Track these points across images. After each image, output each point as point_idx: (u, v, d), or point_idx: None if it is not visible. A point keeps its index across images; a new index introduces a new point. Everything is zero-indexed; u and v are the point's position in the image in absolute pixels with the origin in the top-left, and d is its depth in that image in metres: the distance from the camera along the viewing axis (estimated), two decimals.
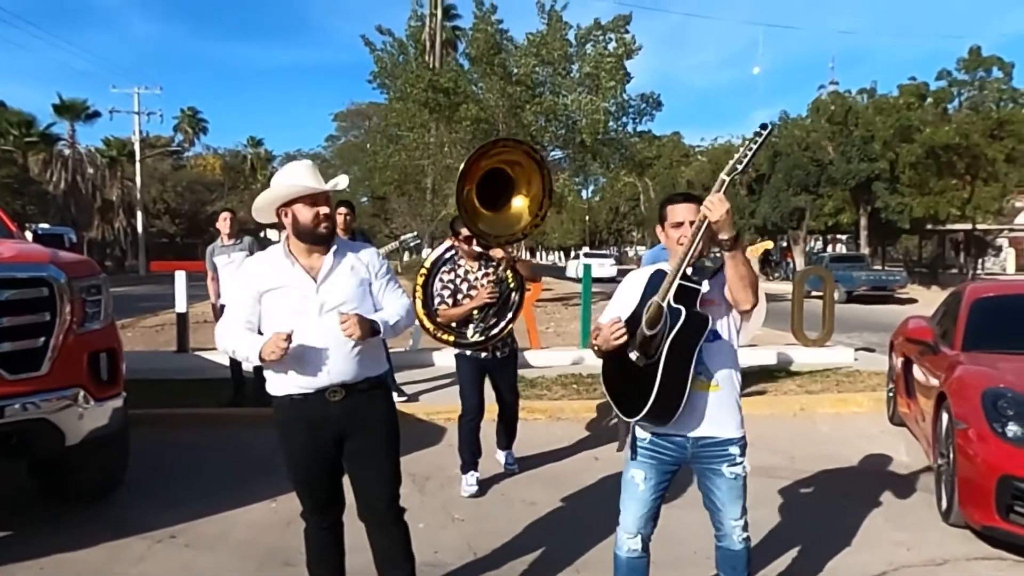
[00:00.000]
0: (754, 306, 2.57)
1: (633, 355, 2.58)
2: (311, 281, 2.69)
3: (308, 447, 2.74)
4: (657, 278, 2.60)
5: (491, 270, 4.58)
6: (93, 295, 4.13)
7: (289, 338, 2.55)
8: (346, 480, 2.86)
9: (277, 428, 2.78)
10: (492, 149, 4.28)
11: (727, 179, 2.48)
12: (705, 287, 2.52)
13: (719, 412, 2.63)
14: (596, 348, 2.71)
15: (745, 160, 2.46)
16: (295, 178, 2.71)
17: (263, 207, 2.77)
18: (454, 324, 4.61)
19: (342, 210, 6.70)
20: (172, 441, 5.75)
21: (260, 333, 2.71)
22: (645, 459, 2.69)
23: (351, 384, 2.70)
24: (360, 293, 2.75)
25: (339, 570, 2.96)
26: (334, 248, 2.75)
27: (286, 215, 2.71)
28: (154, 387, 7.01)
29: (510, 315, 4.65)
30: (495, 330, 4.58)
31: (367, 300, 2.78)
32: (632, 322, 2.62)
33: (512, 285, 4.66)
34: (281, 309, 2.68)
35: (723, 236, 2.43)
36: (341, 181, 2.84)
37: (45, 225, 23.68)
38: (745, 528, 2.74)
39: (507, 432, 4.97)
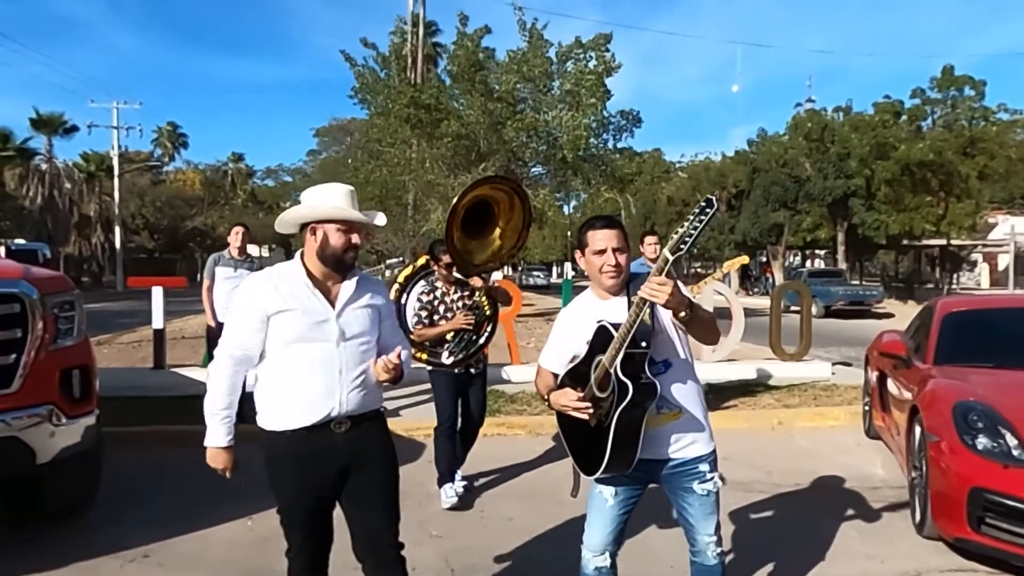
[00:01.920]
0: (716, 342, 2.50)
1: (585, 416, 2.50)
2: (329, 307, 2.55)
3: (309, 483, 2.56)
4: (602, 334, 2.47)
5: (467, 293, 4.69)
6: (66, 311, 4.09)
7: (234, 470, 2.57)
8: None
9: (270, 464, 2.57)
10: (481, 185, 4.37)
11: (671, 257, 2.29)
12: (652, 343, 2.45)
13: (685, 435, 2.59)
14: (547, 402, 2.67)
15: (690, 239, 2.26)
16: (337, 200, 2.59)
17: (292, 219, 2.65)
18: (427, 343, 4.69)
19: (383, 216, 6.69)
20: (147, 459, 5.68)
21: (262, 356, 2.56)
22: (614, 478, 2.63)
23: (357, 416, 2.57)
24: (373, 326, 2.66)
25: None
26: (357, 277, 2.64)
27: (314, 233, 2.57)
28: (130, 404, 6.93)
29: (482, 340, 4.77)
30: (468, 352, 4.68)
31: (376, 332, 2.68)
32: (578, 374, 2.57)
33: (487, 313, 4.78)
34: (291, 333, 2.51)
35: (677, 314, 2.35)
36: (379, 218, 2.73)
37: (21, 241, 23.44)
38: (719, 544, 2.71)
39: (464, 450, 4.96)
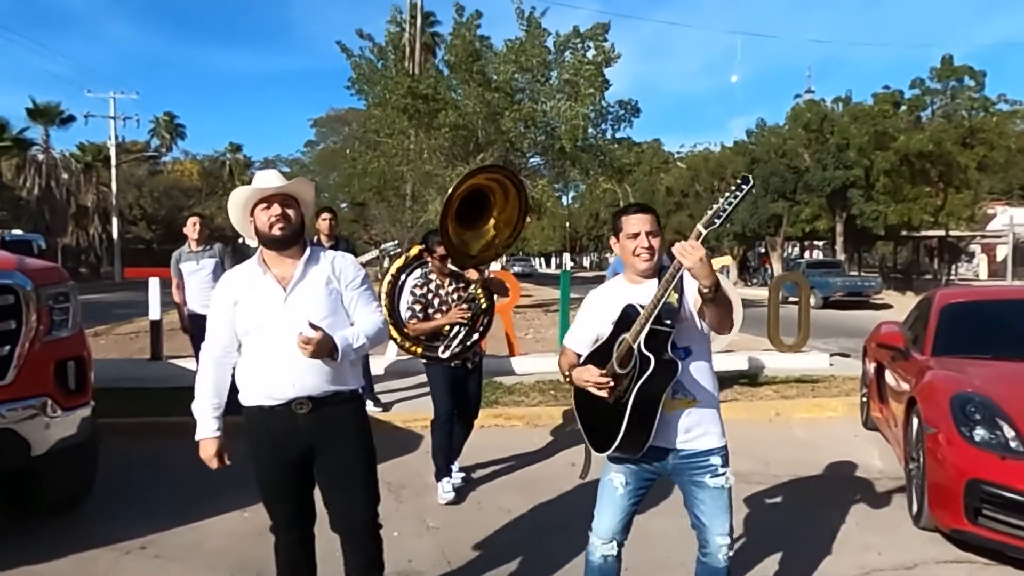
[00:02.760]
0: (730, 331, 2.56)
1: (604, 392, 2.53)
2: (280, 290, 2.62)
3: (275, 460, 2.66)
4: (628, 315, 2.53)
5: (462, 285, 4.64)
6: (61, 302, 4.07)
7: (222, 460, 2.66)
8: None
9: (247, 437, 2.69)
10: (477, 175, 4.37)
11: (704, 231, 2.34)
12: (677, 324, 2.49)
13: (697, 426, 2.60)
14: (568, 380, 2.70)
15: (724, 215, 2.33)
16: (257, 182, 2.69)
17: (236, 221, 2.73)
18: (422, 337, 4.65)
19: (325, 215, 6.65)
20: (144, 451, 5.67)
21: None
22: (626, 463, 2.66)
23: (319, 397, 2.60)
24: (331, 304, 2.66)
25: None
26: (306, 256, 2.67)
27: (252, 223, 2.68)
28: (127, 396, 6.91)
29: (479, 334, 4.71)
30: (465, 345, 4.64)
31: (339, 311, 2.68)
32: (602, 353, 2.60)
33: (484, 306, 4.73)
34: (250, 319, 2.61)
35: (703, 285, 2.34)
36: (294, 184, 2.70)
37: (17, 231, 23.37)
38: (731, 547, 2.66)
39: (460, 443, 4.91)
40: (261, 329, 2.60)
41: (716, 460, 2.61)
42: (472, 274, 4.58)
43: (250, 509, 4.34)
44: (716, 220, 2.34)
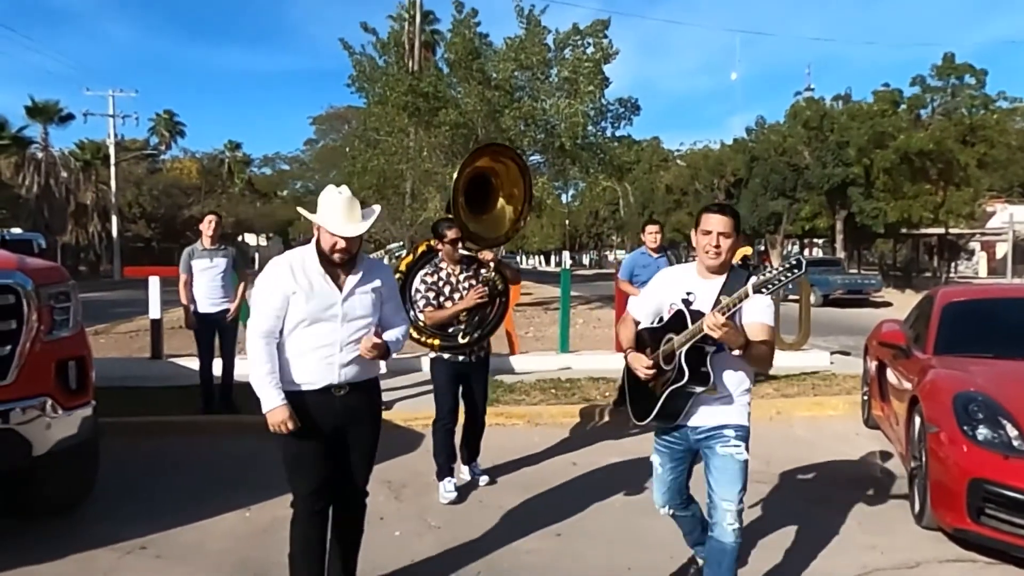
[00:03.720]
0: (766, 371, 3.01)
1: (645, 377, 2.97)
2: (337, 292, 2.96)
3: (309, 436, 2.95)
4: (678, 318, 2.87)
5: (472, 272, 4.59)
6: (61, 302, 4.06)
7: (295, 422, 2.87)
8: None
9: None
10: (482, 152, 4.40)
11: (752, 295, 2.58)
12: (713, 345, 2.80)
13: (718, 406, 2.92)
14: (626, 355, 3.10)
15: (774, 287, 2.56)
16: (335, 211, 2.90)
17: (307, 214, 3.02)
18: (437, 328, 4.58)
19: (378, 208, 6.67)
20: (145, 450, 5.66)
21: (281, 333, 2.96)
22: (660, 448, 3.14)
23: (355, 383, 3.00)
24: (375, 308, 3.06)
25: (322, 557, 3.08)
26: (363, 264, 3.04)
27: (318, 229, 2.97)
28: (127, 395, 6.90)
29: (497, 317, 4.68)
30: (483, 331, 4.60)
31: (378, 312, 3.09)
32: (653, 335, 3.00)
33: (500, 288, 4.69)
34: (304, 311, 2.92)
35: (732, 348, 2.72)
36: (359, 228, 2.93)
37: (17, 230, 23.34)
38: (738, 519, 2.88)
39: (473, 442, 4.90)
40: (314, 323, 2.93)
41: (729, 432, 2.92)
42: (486, 255, 4.54)
43: (252, 508, 4.35)
44: (765, 289, 2.58)
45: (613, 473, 5.07)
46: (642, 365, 2.96)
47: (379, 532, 4.04)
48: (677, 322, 2.86)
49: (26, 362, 3.74)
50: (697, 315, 2.76)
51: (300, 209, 3.09)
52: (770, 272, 2.56)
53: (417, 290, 4.61)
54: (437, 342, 4.61)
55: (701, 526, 3.24)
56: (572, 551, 3.82)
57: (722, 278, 2.87)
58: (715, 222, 2.86)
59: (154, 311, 8.40)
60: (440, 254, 4.63)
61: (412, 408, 6.77)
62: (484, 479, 4.89)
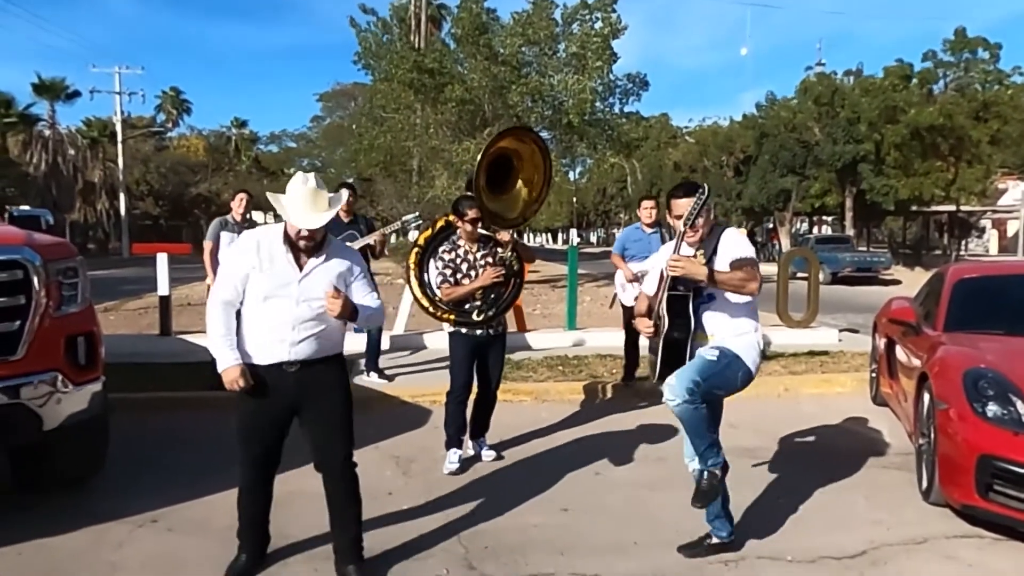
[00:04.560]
0: (756, 291, 3.22)
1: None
2: (296, 272, 3.04)
3: (260, 409, 3.10)
4: (663, 278, 3.33)
5: (489, 251, 4.63)
6: (70, 278, 4.06)
7: (247, 378, 3.02)
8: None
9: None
10: (506, 135, 4.48)
11: (684, 229, 3.22)
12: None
13: (713, 350, 3.26)
14: (636, 324, 3.48)
15: (690, 220, 3.20)
16: (294, 202, 2.99)
17: (275, 204, 3.12)
18: (453, 304, 4.63)
19: (344, 192, 6.71)
20: (154, 425, 5.70)
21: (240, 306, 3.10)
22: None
23: (307, 360, 3.07)
24: (337, 288, 3.07)
25: (265, 509, 3.34)
26: (326, 245, 3.10)
27: (285, 223, 3.09)
28: (136, 371, 6.94)
29: (512, 295, 4.75)
30: (498, 309, 4.64)
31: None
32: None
33: (516, 268, 4.75)
34: (262, 288, 3.02)
35: (699, 283, 3.15)
36: (323, 218, 3.00)
37: (25, 207, 23.38)
38: (682, 393, 3.13)
39: (483, 417, 4.94)
40: (270, 300, 3.02)
41: (716, 349, 3.25)
42: (504, 236, 4.59)
43: None
44: (688, 222, 3.15)
45: (620, 449, 5.08)
46: (644, 326, 3.34)
47: (387, 507, 4.08)
48: (661, 279, 3.30)
49: (35, 337, 3.76)
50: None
51: (269, 195, 3.14)
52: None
53: (435, 266, 4.65)
54: (452, 317, 4.66)
55: (723, 498, 3.41)
56: (579, 526, 3.83)
57: (702, 250, 3.29)
58: (683, 206, 3.22)
59: (162, 288, 8.42)
60: (458, 231, 4.65)
61: (419, 384, 6.79)
62: (491, 455, 4.91)
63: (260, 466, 3.22)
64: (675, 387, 3.15)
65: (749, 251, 3.27)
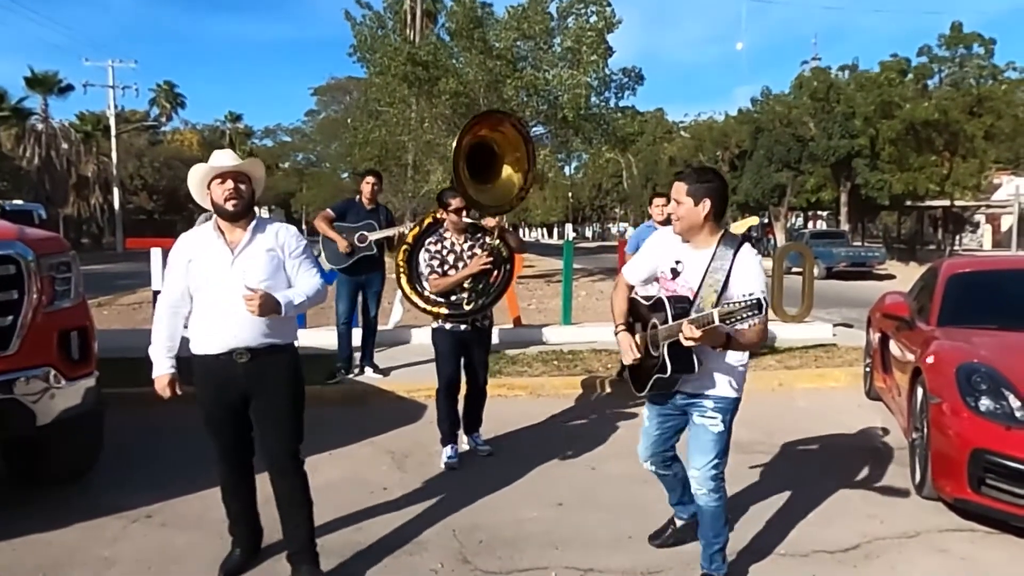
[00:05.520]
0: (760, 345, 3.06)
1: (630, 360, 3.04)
2: (229, 253, 3.02)
3: (217, 400, 3.10)
4: (662, 306, 2.86)
5: (476, 241, 4.60)
6: (62, 272, 4.05)
7: (174, 389, 3.09)
8: None
9: (195, 382, 3.11)
10: (481, 121, 4.40)
11: (717, 323, 2.54)
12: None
13: (702, 378, 2.94)
14: (616, 332, 3.14)
15: (734, 321, 2.52)
16: (214, 160, 3.04)
17: (195, 193, 3.10)
18: (442, 296, 4.60)
19: (370, 179, 6.77)
20: (149, 420, 5.67)
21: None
22: (649, 402, 3.22)
23: (256, 348, 3.02)
24: (272, 268, 3.05)
25: (252, 504, 3.34)
26: (253, 225, 3.06)
27: (209, 196, 3.06)
28: (130, 366, 6.90)
29: (502, 284, 4.70)
30: (488, 298, 4.60)
31: (280, 275, 3.08)
32: (637, 309, 3.07)
33: (504, 255, 4.68)
34: (200, 277, 3.03)
35: (713, 348, 2.78)
36: (239, 161, 3.07)
37: (18, 201, 23.28)
38: (704, 484, 2.97)
39: (475, 412, 4.93)
40: (209, 286, 3.01)
41: (708, 403, 2.97)
42: (490, 222, 4.53)
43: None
44: (727, 321, 2.52)
45: (614, 443, 5.09)
46: (627, 347, 3.00)
47: (382, 501, 4.08)
48: (661, 307, 2.86)
49: (28, 332, 3.75)
50: (679, 308, 2.79)
51: (190, 181, 3.09)
52: (736, 304, 2.50)
53: (423, 259, 4.63)
54: (443, 311, 4.62)
55: (682, 486, 3.32)
56: (574, 520, 3.84)
57: (710, 250, 2.88)
58: (671, 190, 3.01)
59: (156, 283, 8.37)
60: (445, 223, 4.62)
61: (414, 379, 6.78)
62: (485, 449, 4.91)
63: (231, 458, 3.21)
64: (707, 481, 2.97)
65: (763, 284, 2.77)
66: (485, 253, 4.54)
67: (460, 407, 4.85)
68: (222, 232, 3.05)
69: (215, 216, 3.08)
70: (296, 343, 3.24)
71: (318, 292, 3.14)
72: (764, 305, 2.47)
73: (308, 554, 3.19)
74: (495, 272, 4.67)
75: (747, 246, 2.88)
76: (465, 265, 4.53)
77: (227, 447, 3.19)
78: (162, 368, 3.10)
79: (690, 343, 2.65)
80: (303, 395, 3.21)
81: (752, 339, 2.79)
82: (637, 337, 3.00)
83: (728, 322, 2.52)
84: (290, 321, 3.14)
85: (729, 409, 2.98)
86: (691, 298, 2.86)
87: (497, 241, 4.62)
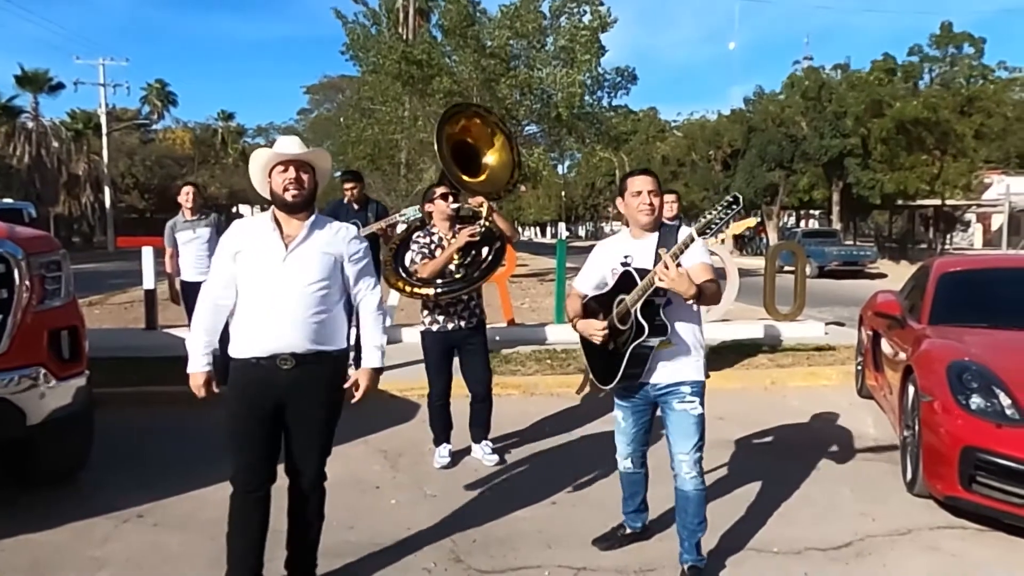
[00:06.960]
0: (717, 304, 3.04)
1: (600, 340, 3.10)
2: (283, 248, 2.79)
3: (251, 409, 2.80)
4: (627, 278, 2.99)
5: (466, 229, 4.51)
6: (53, 271, 4.02)
7: (210, 388, 2.85)
8: None
9: (228, 388, 2.85)
10: (456, 115, 4.42)
11: (697, 238, 2.72)
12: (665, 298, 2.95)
13: (674, 362, 3.06)
14: (574, 325, 3.24)
15: (715, 228, 2.66)
16: (279, 147, 2.85)
17: (255, 180, 2.93)
18: (433, 278, 4.45)
19: (346, 185, 6.72)
20: (140, 420, 5.66)
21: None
22: (622, 402, 3.29)
23: (301, 354, 2.77)
24: (327, 269, 2.83)
25: (259, 543, 2.91)
26: (311, 220, 2.84)
27: (269, 184, 2.85)
28: (122, 365, 6.90)
29: (493, 260, 4.57)
30: (480, 269, 4.50)
31: (336, 277, 2.87)
32: (601, 301, 3.14)
33: (495, 233, 4.55)
34: (250, 270, 2.80)
35: (684, 297, 2.80)
36: (306, 150, 2.87)
37: (8, 200, 23.13)
38: (695, 469, 3.07)
39: (482, 420, 4.70)
40: (257, 282, 2.78)
41: (685, 389, 3.07)
42: (476, 200, 4.46)
43: None
44: (708, 231, 2.68)
45: (607, 442, 5.04)
46: (595, 328, 3.08)
47: (375, 501, 4.07)
48: (626, 283, 3.00)
49: (18, 332, 3.72)
50: (644, 272, 2.90)
51: (251, 169, 2.91)
52: (709, 214, 2.65)
53: (410, 251, 4.56)
54: (431, 292, 4.43)
55: (645, 489, 3.45)
56: (567, 519, 3.84)
57: (655, 235, 3.07)
58: (642, 182, 3.06)
59: (148, 282, 8.36)
60: (432, 218, 4.60)
61: (408, 378, 6.75)
62: (494, 459, 4.66)
63: (251, 481, 2.84)
64: (694, 465, 3.06)
65: (708, 257, 3.06)
66: (472, 228, 4.38)
67: (464, 414, 4.73)
68: (278, 224, 2.82)
69: (272, 207, 2.86)
70: (346, 347, 3.00)
71: (380, 304, 3.01)
72: (739, 201, 2.64)
73: (310, 570, 3.05)
74: (485, 248, 4.53)
75: (683, 226, 3.12)
76: (459, 234, 4.40)
77: (249, 466, 2.83)
78: (197, 365, 2.85)
79: (666, 278, 2.70)
80: (340, 406, 2.95)
81: (712, 289, 2.94)
82: (601, 320, 3.11)
83: (709, 231, 2.67)
84: (341, 323, 2.91)
85: (702, 392, 3.12)
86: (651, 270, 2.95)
87: (486, 222, 4.45)
